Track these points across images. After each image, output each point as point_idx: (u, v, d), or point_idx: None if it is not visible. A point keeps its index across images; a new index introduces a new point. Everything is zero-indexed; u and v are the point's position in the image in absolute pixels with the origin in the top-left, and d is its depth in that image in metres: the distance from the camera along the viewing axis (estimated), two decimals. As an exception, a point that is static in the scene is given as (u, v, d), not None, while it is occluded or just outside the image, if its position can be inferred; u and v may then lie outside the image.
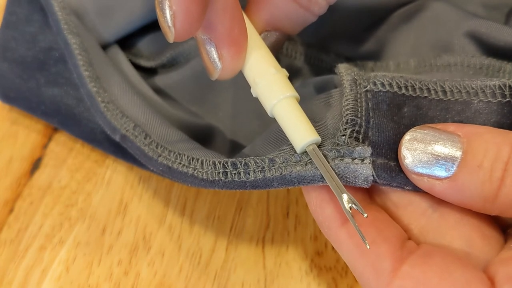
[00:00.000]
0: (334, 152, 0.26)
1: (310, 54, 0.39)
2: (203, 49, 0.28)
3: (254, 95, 0.29)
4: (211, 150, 0.31)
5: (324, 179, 0.26)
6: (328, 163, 0.26)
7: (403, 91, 0.28)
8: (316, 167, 0.26)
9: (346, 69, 0.29)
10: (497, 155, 0.24)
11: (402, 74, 0.28)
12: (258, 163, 0.27)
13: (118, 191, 0.38)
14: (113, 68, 0.36)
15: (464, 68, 0.34)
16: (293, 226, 0.36)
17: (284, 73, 0.28)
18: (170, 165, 0.30)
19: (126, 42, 0.40)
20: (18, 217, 0.36)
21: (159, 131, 0.32)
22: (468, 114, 0.27)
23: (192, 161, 0.30)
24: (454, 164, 0.25)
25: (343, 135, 0.26)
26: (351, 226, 0.25)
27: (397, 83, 0.28)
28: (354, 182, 0.26)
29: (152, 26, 0.40)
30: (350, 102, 0.27)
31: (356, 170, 0.26)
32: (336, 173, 0.26)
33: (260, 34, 0.31)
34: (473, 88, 0.27)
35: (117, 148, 0.36)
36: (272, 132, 0.31)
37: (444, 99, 0.28)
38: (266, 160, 0.27)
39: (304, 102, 0.28)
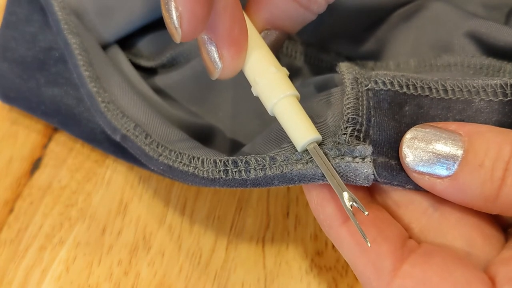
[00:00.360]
0: (335, 150, 0.26)
1: (310, 54, 0.39)
2: (203, 48, 0.28)
3: (254, 94, 0.29)
4: (211, 149, 0.31)
5: (324, 177, 0.26)
6: (329, 161, 0.26)
7: (405, 89, 0.28)
8: (317, 166, 0.26)
9: (347, 67, 0.29)
10: (498, 154, 0.24)
11: (403, 73, 0.28)
12: (259, 161, 0.27)
13: (118, 191, 0.37)
14: (113, 68, 0.36)
15: (464, 68, 0.34)
16: (293, 225, 0.36)
17: (285, 72, 0.28)
18: (171, 164, 0.30)
19: (126, 42, 0.40)
20: (18, 217, 0.36)
21: (160, 130, 0.32)
22: (469, 113, 0.27)
23: (193, 160, 0.30)
24: (455, 163, 0.25)
25: (344, 134, 0.26)
26: (352, 225, 0.25)
27: (398, 81, 0.28)
28: (354, 181, 0.26)
29: (152, 26, 0.40)
30: (352, 100, 0.27)
31: (357, 169, 0.26)
32: (336, 171, 0.26)
33: (260, 33, 0.31)
34: (474, 87, 0.27)
35: (117, 148, 0.36)
36: (272, 130, 0.31)
37: (446, 98, 0.28)
38: (267, 158, 0.27)
39: (304, 101, 0.28)
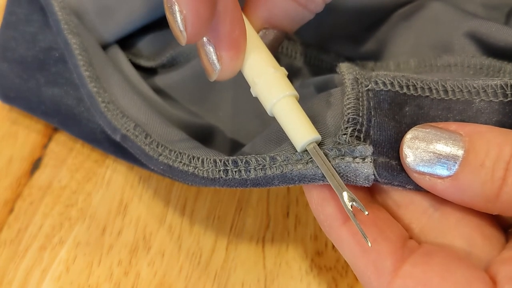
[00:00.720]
0: (335, 151, 0.26)
1: (310, 54, 0.39)
2: (202, 50, 0.28)
3: (253, 95, 0.29)
4: (211, 149, 0.31)
5: (325, 178, 0.26)
6: (329, 161, 0.26)
7: (405, 90, 0.28)
8: (317, 166, 0.26)
9: (347, 68, 0.29)
10: (499, 154, 0.24)
11: (403, 74, 0.28)
12: (259, 161, 0.27)
13: (118, 191, 0.37)
14: (113, 68, 0.36)
15: (464, 69, 0.34)
16: (293, 226, 0.36)
17: (283, 71, 0.28)
18: (171, 164, 0.30)
19: (126, 42, 0.40)
20: (18, 217, 0.36)
21: (160, 130, 0.32)
22: (469, 114, 0.27)
23: (193, 159, 0.30)
24: (456, 163, 0.25)
25: (344, 134, 0.26)
26: (352, 225, 0.25)
27: (398, 82, 0.28)
28: (355, 181, 0.26)
29: (152, 26, 0.40)
30: (352, 100, 0.27)
31: (357, 169, 0.26)
32: (337, 171, 0.26)
33: (258, 32, 0.31)
34: (474, 88, 0.27)
35: (117, 148, 0.36)
36: (272, 130, 0.30)
37: (446, 98, 0.28)
38: (267, 158, 0.27)
39: (304, 102, 0.28)
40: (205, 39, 0.27)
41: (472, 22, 0.34)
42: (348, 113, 0.27)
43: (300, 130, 0.26)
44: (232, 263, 0.35)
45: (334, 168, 0.26)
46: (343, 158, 0.26)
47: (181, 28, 0.25)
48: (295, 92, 0.28)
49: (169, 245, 0.35)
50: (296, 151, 0.27)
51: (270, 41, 0.32)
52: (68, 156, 0.39)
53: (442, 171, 0.25)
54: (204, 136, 0.36)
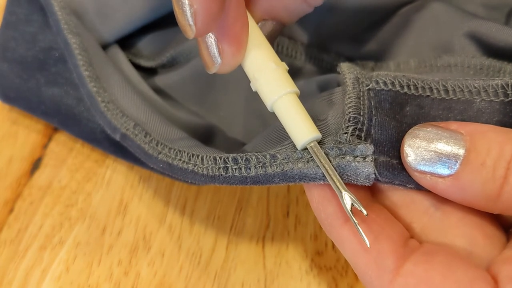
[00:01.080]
0: (336, 150, 0.26)
1: (311, 54, 0.39)
2: (202, 43, 0.28)
3: (253, 90, 0.29)
4: (211, 147, 0.31)
5: (326, 177, 0.26)
6: (329, 160, 0.26)
7: (405, 90, 0.28)
8: (318, 165, 0.26)
9: (348, 67, 0.29)
10: (500, 153, 0.24)
11: (404, 73, 0.28)
12: (259, 158, 0.27)
13: (118, 191, 0.37)
14: (113, 68, 0.36)
15: (465, 69, 0.34)
16: (293, 225, 0.36)
17: (284, 67, 0.28)
18: (170, 162, 0.30)
19: (126, 42, 0.40)
20: (18, 217, 0.36)
21: (159, 129, 0.32)
22: (470, 113, 0.27)
23: (192, 157, 0.29)
24: (457, 162, 0.25)
25: (345, 133, 0.26)
26: (353, 224, 0.25)
27: (399, 82, 0.28)
28: (355, 180, 0.26)
29: (152, 26, 0.40)
30: (353, 100, 0.27)
31: (358, 168, 0.26)
32: (337, 170, 0.26)
33: (257, 23, 0.31)
34: (475, 87, 0.27)
35: (117, 148, 0.36)
36: (273, 130, 0.30)
37: (447, 98, 0.28)
38: (268, 156, 0.27)
39: (306, 101, 0.28)
40: None
41: (472, 22, 0.34)
42: (349, 112, 0.27)
43: (300, 128, 0.26)
44: (232, 263, 0.35)
45: (334, 168, 0.26)
46: (343, 157, 0.26)
47: (190, 22, 0.25)
48: (296, 89, 0.28)
49: (169, 245, 0.35)
50: (297, 149, 0.27)
51: (268, 33, 0.32)
52: (68, 156, 0.39)
53: (443, 170, 0.25)
54: (204, 136, 0.36)
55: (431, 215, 0.27)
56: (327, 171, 0.25)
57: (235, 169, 0.28)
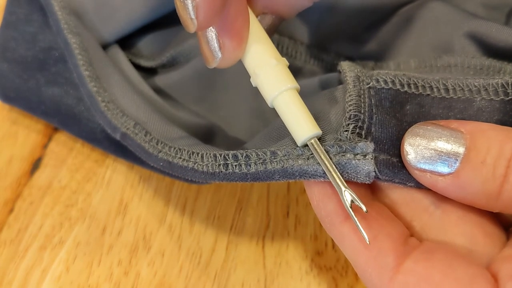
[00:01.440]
0: (336, 147, 0.26)
1: (311, 54, 0.39)
2: (203, 37, 0.27)
3: (253, 85, 0.29)
4: (211, 146, 0.31)
5: (326, 175, 0.26)
6: (330, 158, 0.26)
7: (406, 88, 0.28)
8: (318, 162, 0.26)
9: (349, 66, 0.29)
10: (500, 152, 0.24)
11: (404, 72, 0.28)
12: (259, 155, 0.27)
13: (118, 191, 0.37)
14: (113, 67, 0.36)
15: (464, 69, 0.34)
16: (293, 225, 0.36)
17: (285, 62, 0.28)
18: (170, 160, 0.30)
19: (126, 42, 0.40)
20: (18, 217, 0.36)
21: (160, 128, 0.32)
22: (470, 112, 0.27)
23: (192, 155, 0.29)
24: (457, 160, 0.25)
25: (346, 131, 0.26)
26: (353, 221, 0.25)
27: (399, 80, 0.28)
28: (356, 178, 0.26)
29: (152, 26, 0.40)
30: (354, 98, 0.27)
31: (358, 166, 0.26)
32: (337, 168, 0.26)
33: (256, 17, 0.31)
34: (475, 86, 0.27)
35: (118, 147, 0.36)
36: (273, 128, 0.30)
37: (447, 97, 0.28)
38: (268, 153, 0.27)
39: (307, 99, 0.28)
40: None
41: (472, 22, 0.34)
42: (350, 110, 0.27)
43: (301, 125, 0.26)
44: (232, 263, 0.35)
45: (335, 165, 0.26)
46: (344, 155, 0.26)
47: (192, 16, 0.25)
48: (297, 85, 0.28)
49: (169, 245, 0.35)
50: (297, 146, 0.27)
51: (267, 26, 0.32)
52: (68, 156, 0.39)
53: (443, 169, 0.25)
54: (205, 135, 0.36)
55: (431, 213, 0.27)
56: (328, 168, 0.25)
57: (235, 165, 0.28)
